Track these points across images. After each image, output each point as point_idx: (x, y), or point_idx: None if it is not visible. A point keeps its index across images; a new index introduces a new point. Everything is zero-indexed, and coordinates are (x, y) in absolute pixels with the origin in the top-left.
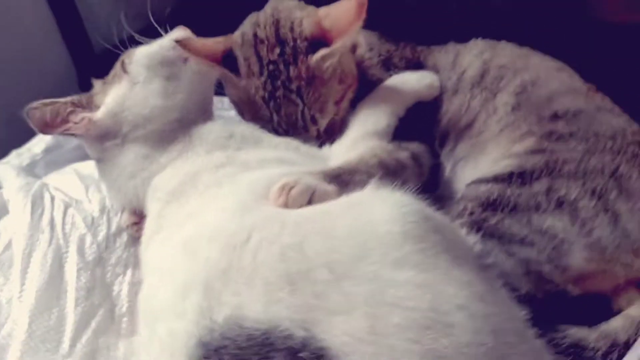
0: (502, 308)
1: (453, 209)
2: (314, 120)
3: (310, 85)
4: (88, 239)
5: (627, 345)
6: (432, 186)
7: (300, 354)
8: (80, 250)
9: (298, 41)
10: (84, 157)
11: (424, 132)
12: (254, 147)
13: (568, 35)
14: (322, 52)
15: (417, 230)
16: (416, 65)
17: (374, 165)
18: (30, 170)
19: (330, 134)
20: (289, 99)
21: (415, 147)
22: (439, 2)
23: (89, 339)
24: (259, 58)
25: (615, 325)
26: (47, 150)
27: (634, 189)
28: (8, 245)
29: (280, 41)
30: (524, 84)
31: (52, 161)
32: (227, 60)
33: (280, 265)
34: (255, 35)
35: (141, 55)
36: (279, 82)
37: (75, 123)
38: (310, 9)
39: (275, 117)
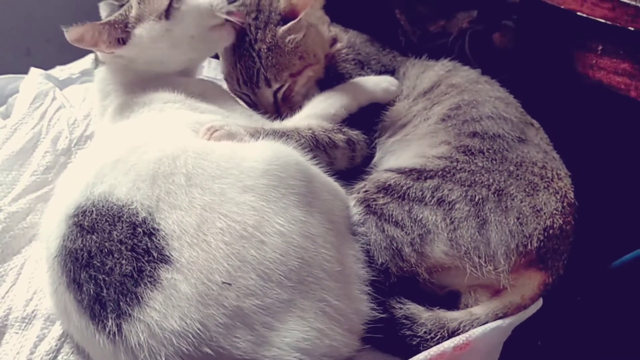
0: (331, 252)
1: (356, 185)
2: (268, 82)
3: (270, 51)
4: (64, 134)
5: (454, 334)
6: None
7: (138, 228)
8: (55, 140)
9: (272, 14)
10: None
11: (368, 125)
12: (212, 103)
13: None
14: (288, 25)
15: (279, 172)
16: (390, 72)
17: (306, 137)
18: (64, 84)
19: (287, 102)
20: (250, 55)
21: (355, 134)
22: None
23: (31, 200)
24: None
25: (454, 315)
26: (84, 73)
27: (512, 208)
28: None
29: (258, 10)
30: (461, 102)
31: (85, 81)
32: None
33: (153, 166)
34: (242, 3)
35: (193, 9)
36: (247, 39)
37: (105, 47)
38: None
39: (237, 66)
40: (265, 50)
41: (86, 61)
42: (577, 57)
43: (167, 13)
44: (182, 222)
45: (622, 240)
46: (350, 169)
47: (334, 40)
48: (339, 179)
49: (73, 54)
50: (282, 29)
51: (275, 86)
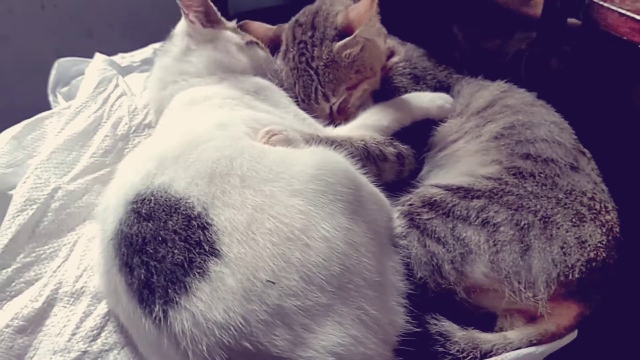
0: (372, 262)
1: (402, 198)
2: (326, 97)
3: (327, 67)
4: (124, 120)
5: (486, 356)
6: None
7: (193, 221)
8: (115, 125)
9: (328, 29)
10: None
11: (418, 140)
12: (268, 103)
13: None
14: (344, 41)
15: (328, 178)
16: (445, 88)
17: (358, 147)
18: (125, 71)
19: (342, 114)
20: (308, 74)
21: (405, 149)
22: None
23: (88, 181)
24: (294, 37)
25: (488, 337)
26: (145, 62)
27: (557, 237)
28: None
29: (313, 27)
30: (516, 122)
31: (145, 70)
32: (275, 42)
33: (211, 165)
34: (297, 20)
35: None
36: (303, 58)
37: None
38: (352, 5)
39: (297, 85)
40: (322, 66)
41: (147, 50)
42: (635, 89)
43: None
44: (233, 220)
45: None
46: (397, 181)
47: (391, 53)
48: (384, 190)
49: (134, 39)
50: (339, 44)
51: (333, 100)
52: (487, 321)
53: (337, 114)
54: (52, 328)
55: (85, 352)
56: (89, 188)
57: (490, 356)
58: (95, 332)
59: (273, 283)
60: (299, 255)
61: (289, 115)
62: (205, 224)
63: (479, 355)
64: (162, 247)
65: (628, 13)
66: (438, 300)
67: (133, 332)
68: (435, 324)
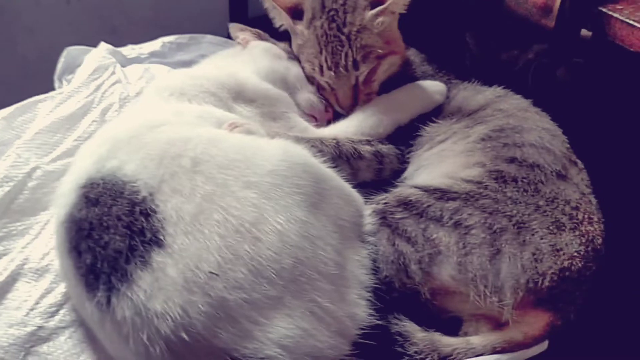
0: (330, 255)
1: (378, 196)
2: (356, 65)
3: (360, 33)
4: (114, 107)
5: None
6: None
7: (136, 207)
8: (104, 111)
9: None
10: (175, 66)
11: (404, 139)
12: (254, 107)
13: None
14: (377, 8)
15: (285, 172)
16: None
17: (330, 145)
18: (130, 62)
19: (367, 87)
20: (338, 39)
21: (385, 148)
22: None
23: (68, 163)
24: (323, 6)
25: (450, 341)
26: (152, 54)
27: (530, 243)
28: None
29: None
30: (506, 126)
31: (153, 62)
32: (294, 11)
33: (163, 146)
34: None
35: None
36: (334, 24)
37: None
38: None
39: (323, 53)
40: (355, 32)
41: (157, 43)
42: None
43: None
44: (180, 208)
45: None
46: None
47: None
48: (370, 189)
49: (157, 37)
50: (372, 12)
51: (363, 69)
52: (455, 326)
53: (363, 85)
54: (12, 302)
55: (40, 328)
56: (68, 170)
57: None
58: (53, 309)
59: (216, 275)
60: (248, 248)
61: (276, 123)
62: (149, 211)
63: (437, 358)
64: (106, 233)
65: (636, 24)
66: (402, 300)
67: (82, 314)
68: (397, 324)
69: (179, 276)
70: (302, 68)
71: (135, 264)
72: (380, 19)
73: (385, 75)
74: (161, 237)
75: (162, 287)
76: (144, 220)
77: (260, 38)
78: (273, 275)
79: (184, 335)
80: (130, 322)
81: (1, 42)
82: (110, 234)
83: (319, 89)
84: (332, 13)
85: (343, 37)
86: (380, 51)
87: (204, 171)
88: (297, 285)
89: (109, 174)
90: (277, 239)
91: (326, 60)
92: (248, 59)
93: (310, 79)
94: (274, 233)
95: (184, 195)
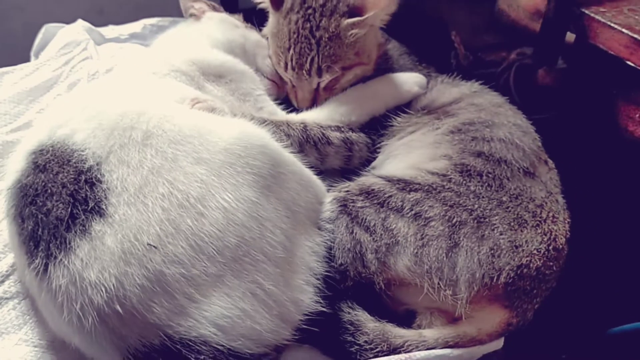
0: (278, 238)
1: (340, 184)
2: (320, 72)
3: (330, 41)
4: (82, 82)
5: (395, 352)
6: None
7: (82, 175)
8: (71, 86)
9: (341, 4)
10: None
11: (374, 128)
12: (236, 95)
13: None
14: (354, 19)
15: (239, 151)
16: None
17: (297, 129)
18: (108, 42)
19: (327, 93)
20: (308, 42)
21: (356, 136)
22: None
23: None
24: (304, 2)
25: (401, 332)
26: (133, 35)
27: (488, 238)
28: None
29: None
30: (477, 119)
31: (132, 44)
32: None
33: (116, 118)
34: None
35: None
36: (308, 24)
37: None
38: None
39: (291, 51)
40: (326, 39)
41: (137, 25)
42: (620, 108)
43: None
44: (125, 179)
45: (631, 306)
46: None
47: (380, 47)
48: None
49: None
50: (348, 21)
51: (326, 77)
52: (409, 320)
53: (323, 91)
54: None
55: None
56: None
57: (400, 352)
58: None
59: (155, 247)
60: (191, 223)
61: (246, 105)
62: (94, 180)
63: (386, 349)
64: (49, 200)
65: (617, 27)
66: (356, 289)
67: (24, 282)
68: (349, 313)
69: (117, 247)
70: (269, 56)
71: (75, 232)
72: (354, 30)
73: (349, 83)
74: (103, 207)
75: (99, 256)
76: (88, 189)
77: (215, 10)
78: (214, 252)
79: (118, 308)
80: (65, 291)
81: None
82: (54, 201)
83: (281, 79)
84: (309, 11)
85: (313, 41)
86: (347, 62)
87: (154, 145)
88: (239, 264)
89: (58, 142)
90: (222, 216)
91: (292, 59)
92: (208, 32)
93: (274, 69)
94: (220, 210)
95: (130, 166)
